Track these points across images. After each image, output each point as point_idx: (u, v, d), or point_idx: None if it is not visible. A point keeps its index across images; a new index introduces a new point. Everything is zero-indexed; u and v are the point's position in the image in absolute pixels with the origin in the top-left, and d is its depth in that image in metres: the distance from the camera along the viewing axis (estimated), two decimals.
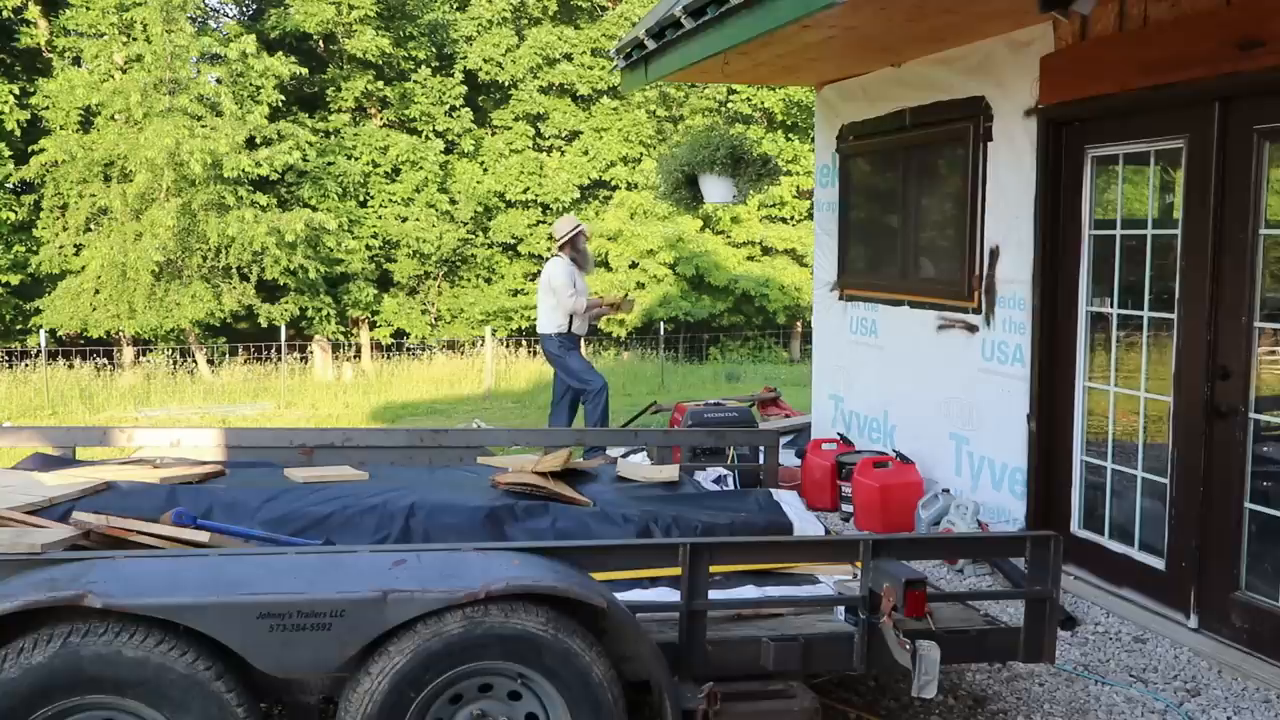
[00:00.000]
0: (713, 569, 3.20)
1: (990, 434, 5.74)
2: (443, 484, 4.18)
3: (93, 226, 19.52)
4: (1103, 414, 5.07)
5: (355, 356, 22.02)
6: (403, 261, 22.38)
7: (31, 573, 2.75)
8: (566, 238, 7.89)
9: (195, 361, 19.17)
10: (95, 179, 19.15)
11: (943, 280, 6.14)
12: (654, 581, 3.39)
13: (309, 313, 21.42)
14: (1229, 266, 4.26)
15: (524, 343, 19.95)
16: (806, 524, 4.12)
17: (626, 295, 8.19)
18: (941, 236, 6.22)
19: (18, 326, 20.60)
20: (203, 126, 18.85)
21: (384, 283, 23.02)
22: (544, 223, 23.42)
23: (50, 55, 20.57)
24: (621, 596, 3.06)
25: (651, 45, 6.09)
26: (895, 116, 6.47)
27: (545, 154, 24.35)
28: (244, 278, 20.02)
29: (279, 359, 17.01)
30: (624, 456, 6.37)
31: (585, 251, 8.03)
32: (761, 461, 5.34)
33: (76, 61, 20.81)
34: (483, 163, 23.63)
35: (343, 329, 22.59)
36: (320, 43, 22.77)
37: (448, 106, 22.98)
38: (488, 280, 24.03)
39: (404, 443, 4.97)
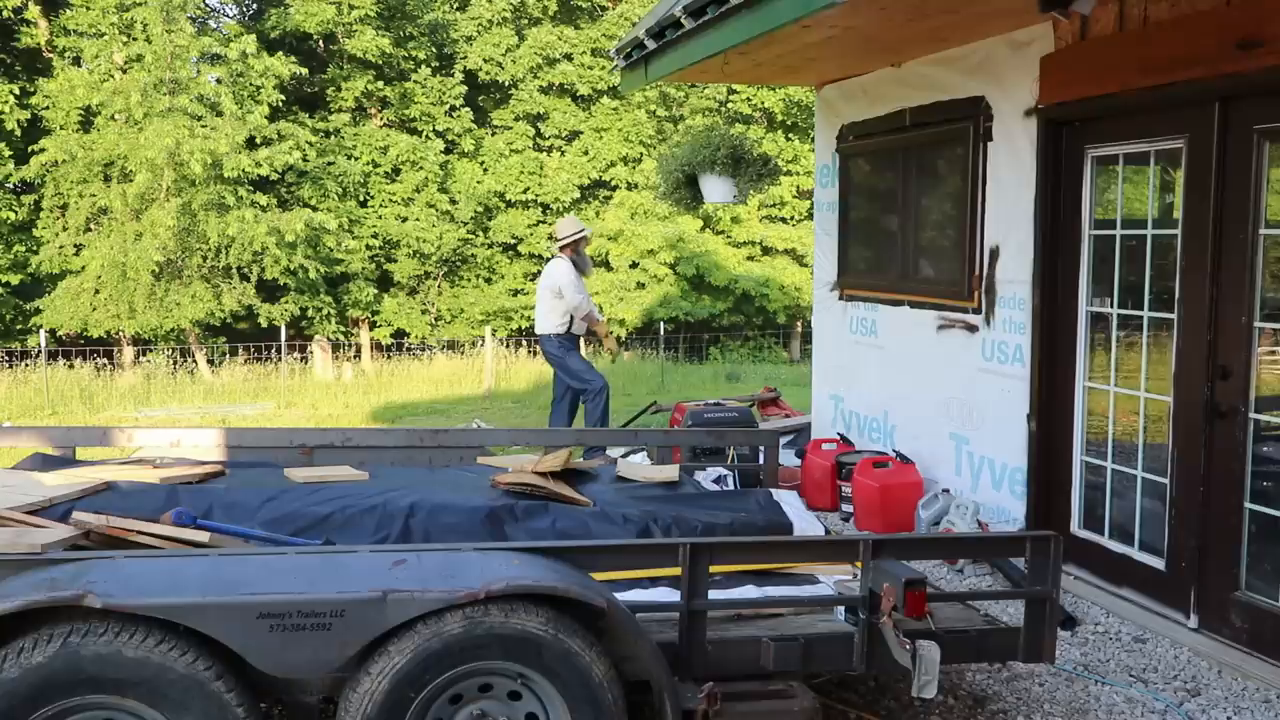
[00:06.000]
0: (713, 569, 3.20)
1: (990, 434, 5.74)
2: (443, 484, 4.17)
3: (93, 226, 19.53)
4: (1103, 414, 5.07)
5: (355, 356, 22.01)
6: (403, 261, 22.39)
7: (31, 573, 2.75)
8: (569, 240, 7.89)
9: (195, 361, 19.16)
10: (95, 179, 19.16)
11: (943, 280, 6.14)
12: (654, 581, 3.39)
13: (309, 313, 21.44)
14: (1229, 266, 4.26)
15: (524, 343, 19.93)
16: (806, 524, 4.12)
17: (618, 339, 8.30)
18: (941, 236, 6.22)
19: (18, 326, 20.60)
20: (203, 126, 18.86)
21: (384, 283, 23.02)
22: (544, 223, 23.42)
23: (50, 55, 20.58)
24: (621, 596, 3.06)
25: (651, 45, 6.09)
26: (895, 116, 6.47)
27: (545, 154, 24.35)
28: (244, 278, 20.03)
29: (279, 359, 17.00)
30: (624, 456, 6.37)
31: (585, 256, 8.05)
32: (761, 461, 5.33)
33: (76, 61, 20.81)
34: (483, 163, 23.64)
35: (343, 329, 22.60)
36: (320, 43, 22.77)
37: (448, 106, 22.99)
38: (488, 280, 24.03)
39: (404, 443, 4.96)
